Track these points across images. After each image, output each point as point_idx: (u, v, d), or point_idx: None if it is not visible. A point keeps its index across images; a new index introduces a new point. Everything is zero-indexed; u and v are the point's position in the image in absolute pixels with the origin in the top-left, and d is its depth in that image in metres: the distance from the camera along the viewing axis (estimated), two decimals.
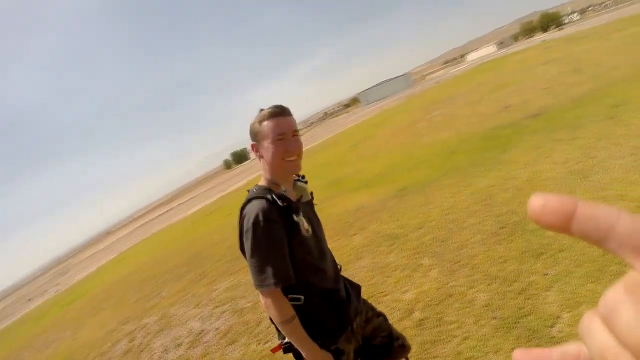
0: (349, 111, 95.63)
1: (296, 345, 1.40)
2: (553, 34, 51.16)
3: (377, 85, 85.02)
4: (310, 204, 1.66)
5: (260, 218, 1.35)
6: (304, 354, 1.40)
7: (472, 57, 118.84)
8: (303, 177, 1.70)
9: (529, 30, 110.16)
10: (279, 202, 1.40)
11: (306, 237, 1.45)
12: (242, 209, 1.46)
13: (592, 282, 2.69)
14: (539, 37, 62.34)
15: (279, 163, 1.47)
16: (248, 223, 1.38)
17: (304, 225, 1.43)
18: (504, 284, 3.09)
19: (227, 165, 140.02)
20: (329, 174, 11.46)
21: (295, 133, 1.50)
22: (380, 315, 1.79)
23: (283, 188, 1.49)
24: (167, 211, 45.45)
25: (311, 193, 1.69)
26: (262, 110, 1.51)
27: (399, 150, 10.71)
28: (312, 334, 1.40)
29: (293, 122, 1.52)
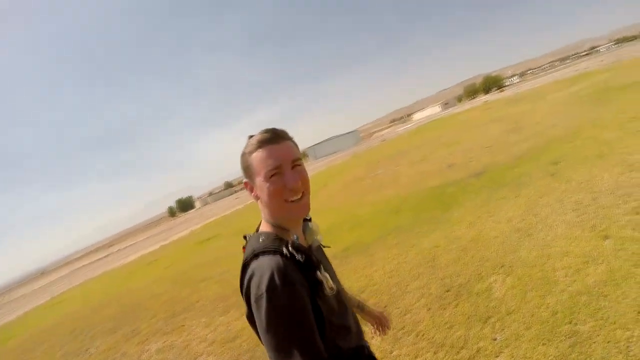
0: None
1: None
2: (495, 96, 56.50)
3: (325, 140, 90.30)
4: (321, 248, 1.50)
5: (277, 281, 1.08)
6: None
7: (418, 116, 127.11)
8: (309, 218, 1.48)
9: (472, 92, 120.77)
10: (297, 257, 1.16)
11: (329, 296, 1.23)
12: (246, 266, 1.19)
13: (543, 344, 2.74)
14: (482, 99, 68.41)
15: (280, 205, 1.23)
16: (260, 288, 1.09)
17: (329, 283, 1.21)
18: (451, 351, 3.06)
19: (172, 213, 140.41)
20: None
21: (295, 163, 1.24)
22: None
23: (294, 235, 1.25)
24: (106, 256, 45.51)
25: None
26: (250, 137, 1.27)
27: (343, 207, 10.96)
28: None
29: (291, 148, 1.26)
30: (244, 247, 1.28)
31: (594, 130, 8.32)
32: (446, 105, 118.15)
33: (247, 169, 1.26)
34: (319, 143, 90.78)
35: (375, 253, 6.06)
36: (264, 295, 1.07)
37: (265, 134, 1.22)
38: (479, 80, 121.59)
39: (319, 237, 1.41)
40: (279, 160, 1.20)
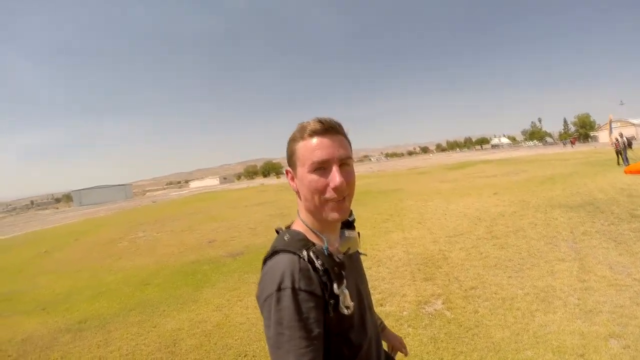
0: (58, 207, 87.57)
1: None
2: (271, 181, 60.73)
3: (94, 187, 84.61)
4: (357, 256, 1.37)
5: (288, 283, 1.02)
6: None
7: (195, 184, 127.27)
8: (353, 220, 1.38)
9: (252, 172, 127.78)
10: (317, 264, 1.07)
11: (347, 315, 1.10)
12: (266, 260, 1.13)
13: None
14: (259, 181, 72.73)
15: (318, 204, 1.13)
16: (270, 287, 1.04)
17: (346, 300, 1.09)
18: None
19: None
20: (1, 284, 9.55)
21: (344, 161, 1.13)
22: None
23: (325, 239, 1.16)
24: None
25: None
26: (302, 123, 1.16)
27: (90, 269, 9.66)
28: None
29: (344, 145, 1.15)
30: None
31: None
32: (225, 179, 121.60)
33: (291, 156, 1.18)
34: (86, 188, 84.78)
35: (114, 330, 5.32)
36: (273, 297, 1.03)
37: (319, 123, 1.12)
38: (260, 164, 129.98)
39: (354, 246, 1.30)
40: (328, 155, 1.10)
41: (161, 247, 11.07)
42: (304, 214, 1.23)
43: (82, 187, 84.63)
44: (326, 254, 1.13)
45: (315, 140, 1.12)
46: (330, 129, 1.14)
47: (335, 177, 1.10)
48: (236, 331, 4.63)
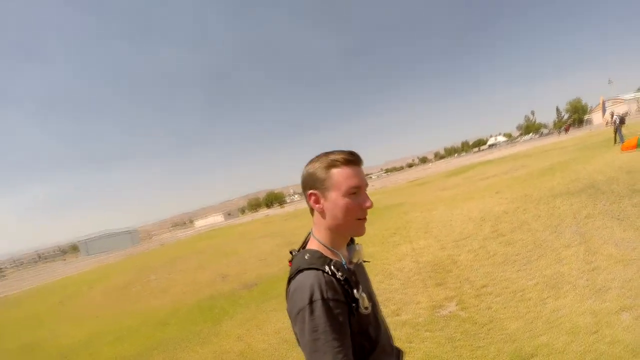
0: (65, 259, 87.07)
1: None
2: (276, 211, 60.73)
3: (100, 236, 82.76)
4: (362, 265, 1.55)
5: (318, 295, 1.18)
6: None
7: (200, 223, 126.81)
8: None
9: (255, 205, 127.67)
10: (338, 275, 1.25)
11: (365, 314, 1.29)
12: (291, 279, 1.29)
13: None
14: (263, 212, 72.67)
15: (349, 222, 1.34)
16: (302, 301, 1.19)
17: (365, 302, 1.28)
18: None
19: None
20: (22, 336, 9.88)
21: (366, 187, 1.40)
22: None
23: (340, 254, 1.36)
24: None
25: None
26: (326, 154, 1.36)
27: (108, 316, 9.78)
28: None
29: (365, 175, 1.40)
30: (290, 262, 1.40)
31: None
32: (229, 215, 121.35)
33: (323, 181, 1.33)
34: (92, 238, 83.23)
35: None
36: (307, 309, 1.17)
37: (351, 155, 1.34)
38: (262, 195, 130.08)
39: (361, 257, 1.49)
40: (360, 182, 1.33)
41: (176, 287, 11.16)
42: (322, 233, 1.39)
43: (88, 236, 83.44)
44: (345, 266, 1.31)
45: (349, 169, 1.33)
46: (359, 160, 1.38)
47: (368, 199, 1.35)
48: (259, 357, 4.74)
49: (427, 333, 4.22)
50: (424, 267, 6.64)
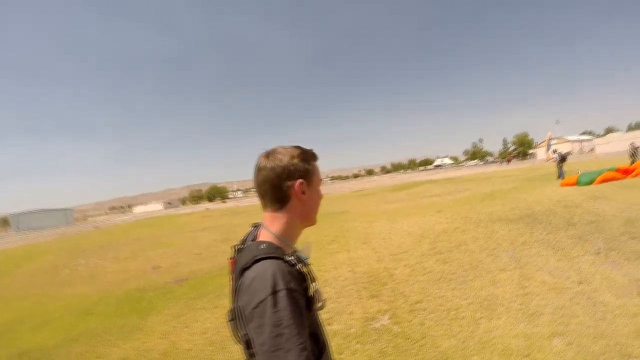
0: None
1: None
2: (217, 205, 59.69)
3: (33, 212, 78.59)
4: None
5: (282, 285, 1.08)
6: None
7: (139, 210, 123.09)
8: None
9: (197, 197, 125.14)
10: (298, 266, 1.18)
11: (315, 315, 1.26)
12: (245, 270, 1.16)
13: None
14: (204, 205, 71.23)
15: (314, 214, 1.39)
16: (262, 291, 1.07)
17: (321, 295, 1.25)
18: None
19: None
20: None
21: None
22: None
23: (295, 249, 1.33)
24: None
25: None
26: (296, 146, 1.36)
27: (33, 296, 9.10)
28: None
29: None
30: (231, 258, 1.31)
31: None
32: (169, 204, 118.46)
33: (308, 171, 1.33)
34: (24, 213, 78.89)
35: None
36: (268, 300, 1.06)
37: (313, 151, 1.39)
38: (205, 188, 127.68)
39: (309, 254, 1.41)
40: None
41: (105, 275, 10.59)
42: (280, 226, 1.30)
43: (20, 211, 79.03)
44: (305, 259, 1.28)
45: (317, 164, 1.40)
46: None
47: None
48: (183, 358, 4.47)
49: (358, 345, 4.14)
50: (360, 278, 6.60)
